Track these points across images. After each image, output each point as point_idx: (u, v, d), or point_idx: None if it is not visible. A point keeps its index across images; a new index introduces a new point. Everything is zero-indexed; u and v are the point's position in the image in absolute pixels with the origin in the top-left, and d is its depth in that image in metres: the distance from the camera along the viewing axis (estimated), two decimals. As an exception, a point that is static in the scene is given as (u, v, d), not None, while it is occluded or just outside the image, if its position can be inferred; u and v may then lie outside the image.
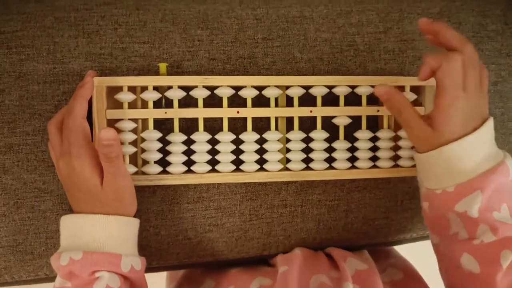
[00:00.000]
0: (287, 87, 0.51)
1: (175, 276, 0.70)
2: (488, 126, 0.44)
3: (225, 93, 0.49)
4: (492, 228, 0.43)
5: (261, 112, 0.50)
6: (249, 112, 0.50)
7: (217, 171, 0.50)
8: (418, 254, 0.70)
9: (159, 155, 0.49)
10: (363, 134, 0.52)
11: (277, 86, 0.51)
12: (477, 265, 0.44)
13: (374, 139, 0.53)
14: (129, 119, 0.48)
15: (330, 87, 0.51)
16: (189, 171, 0.50)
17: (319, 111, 0.51)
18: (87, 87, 0.46)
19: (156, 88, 0.51)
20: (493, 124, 0.45)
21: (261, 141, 0.51)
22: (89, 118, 0.47)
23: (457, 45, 0.43)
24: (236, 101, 0.53)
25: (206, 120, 0.53)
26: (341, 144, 0.52)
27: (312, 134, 0.51)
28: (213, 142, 0.51)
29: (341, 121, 0.51)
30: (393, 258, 0.60)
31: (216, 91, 0.50)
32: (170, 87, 0.50)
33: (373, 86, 0.51)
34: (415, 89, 0.53)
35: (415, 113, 0.45)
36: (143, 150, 0.50)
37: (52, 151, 0.48)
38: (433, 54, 0.43)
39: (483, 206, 0.43)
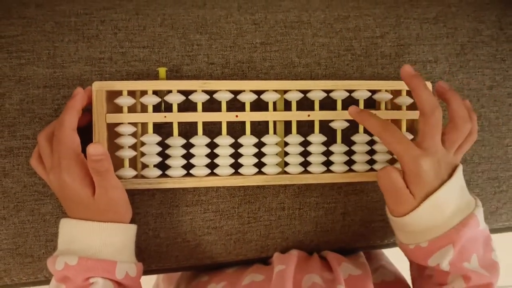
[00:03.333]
0: (285, 92, 0.52)
1: (173, 278, 0.70)
2: (457, 176, 0.44)
3: (224, 97, 0.50)
4: (464, 277, 0.45)
5: (259, 116, 0.51)
6: (248, 116, 0.50)
7: (216, 175, 0.51)
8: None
9: (158, 159, 0.50)
10: (360, 138, 0.52)
11: (275, 91, 0.51)
12: None
13: (371, 142, 0.54)
14: (128, 123, 0.49)
15: (328, 92, 0.52)
16: (188, 174, 0.51)
17: (317, 115, 0.51)
18: (77, 98, 0.46)
19: (155, 92, 0.51)
20: (462, 173, 0.45)
21: (260, 144, 0.52)
22: (89, 129, 0.48)
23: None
24: (235, 105, 0.53)
25: (205, 124, 0.53)
26: (338, 148, 0.52)
27: (310, 138, 0.52)
28: (212, 145, 0.51)
29: (339, 125, 0.52)
30: (384, 261, 0.61)
31: (215, 95, 0.50)
32: (169, 91, 0.50)
33: (370, 91, 0.52)
34: (411, 94, 0.54)
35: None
36: (142, 154, 0.51)
37: (39, 166, 0.48)
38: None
39: (454, 259, 0.45)
